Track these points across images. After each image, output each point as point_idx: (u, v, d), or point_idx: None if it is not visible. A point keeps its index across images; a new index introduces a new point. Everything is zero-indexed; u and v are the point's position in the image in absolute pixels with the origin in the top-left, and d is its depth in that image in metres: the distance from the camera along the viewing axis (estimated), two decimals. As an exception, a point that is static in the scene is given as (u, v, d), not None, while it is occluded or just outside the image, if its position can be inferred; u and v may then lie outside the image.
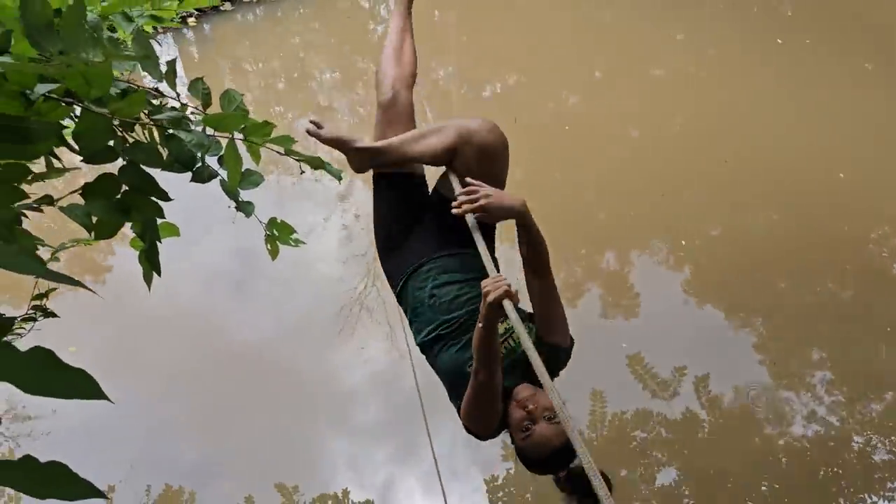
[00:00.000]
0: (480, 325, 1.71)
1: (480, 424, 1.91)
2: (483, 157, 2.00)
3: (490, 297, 1.68)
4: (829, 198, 5.30)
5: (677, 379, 4.10)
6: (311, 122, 2.00)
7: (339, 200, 5.83)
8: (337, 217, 5.64)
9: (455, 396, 2.04)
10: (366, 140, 2.07)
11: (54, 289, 1.55)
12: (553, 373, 2.01)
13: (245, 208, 1.36)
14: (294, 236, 1.50)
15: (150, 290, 1.27)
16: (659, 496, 3.62)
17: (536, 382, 1.89)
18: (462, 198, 1.83)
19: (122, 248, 5.33)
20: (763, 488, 3.61)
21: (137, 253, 1.28)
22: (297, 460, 4.03)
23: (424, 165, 2.32)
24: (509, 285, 1.71)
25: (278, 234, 1.49)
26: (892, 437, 3.73)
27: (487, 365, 1.76)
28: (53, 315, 1.46)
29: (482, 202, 1.81)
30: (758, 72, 7.24)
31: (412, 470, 3.87)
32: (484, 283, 1.71)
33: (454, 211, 1.82)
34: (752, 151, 5.86)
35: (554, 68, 7.68)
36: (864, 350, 4.21)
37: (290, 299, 4.97)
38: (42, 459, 0.65)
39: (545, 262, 1.94)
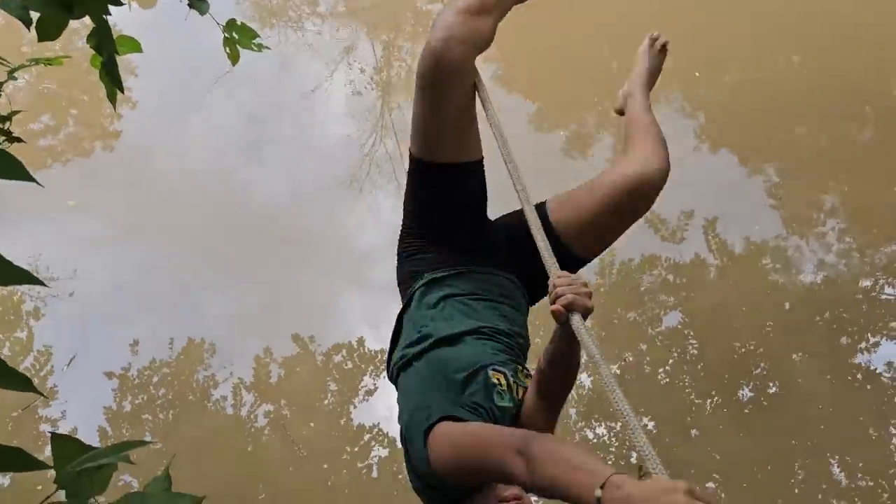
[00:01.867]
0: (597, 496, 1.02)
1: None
2: (629, 213, 1.74)
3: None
4: (850, 41, 5.06)
5: (686, 224, 4.09)
6: None
7: (344, 54, 5.68)
8: (342, 72, 5.52)
9: (434, 402, 1.49)
10: None
11: (17, 112, 1.53)
12: None
13: (199, 6, 1.31)
14: (257, 41, 1.44)
15: (115, 108, 1.25)
16: (662, 336, 3.71)
17: None
18: (564, 288, 1.33)
19: (130, 113, 5.30)
20: (767, 328, 3.67)
21: (100, 72, 1.25)
22: (315, 315, 4.16)
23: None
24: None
25: (238, 37, 1.42)
26: (901, 279, 3.74)
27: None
28: (19, 140, 1.45)
29: (586, 301, 1.32)
30: None
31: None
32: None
33: (553, 308, 1.32)
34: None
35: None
36: (879, 194, 4.14)
37: (301, 160, 4.97)
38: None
39: (562, 399, 1.53)
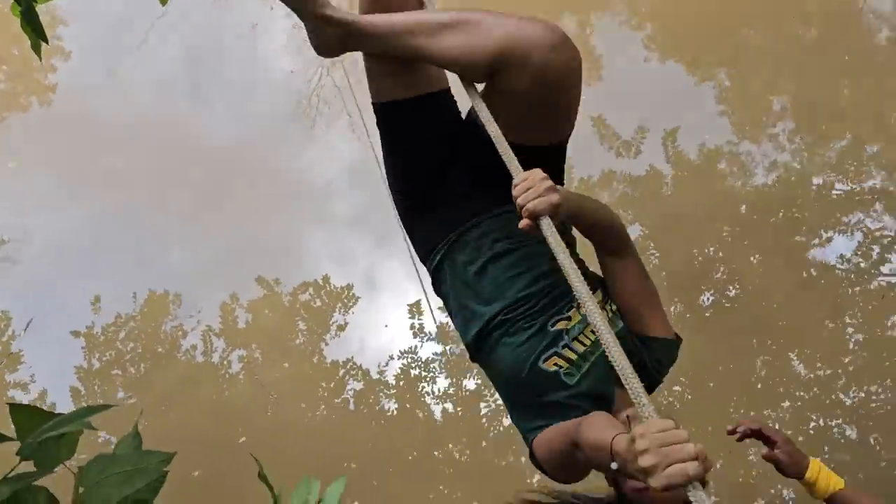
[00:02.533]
0: (614, 467, 1.09)
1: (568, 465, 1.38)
2: (542, 88, 1.36)
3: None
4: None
5: (640, 138, 4.10)
6: None
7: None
8: (281, 6, 5.29)
9: (520, 414, 1.53)
10: (341, 8, 1.47)
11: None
12: (654, 383, 1.60)
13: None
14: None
15: (41, 59, 1.19)
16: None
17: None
18: (524, 195, 1.24)
19: (64, 64, 5.07)
20: (724, 234, 3.75)
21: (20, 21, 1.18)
22: (278, 256, 4.13)
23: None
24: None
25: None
26: (851, 175, 3.81)
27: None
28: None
29: (548, 198, 1.23)
30: None
31: (389, 258, 3.97)
32: (642, 430, 1.02)
33: (521, 224, 1.24)
34: None
35: None
36: (827, 91, 4.18)
37: (247, 99, 4.83)
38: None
39: (619, 235, 1.52)
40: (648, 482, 0.94)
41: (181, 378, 3.67)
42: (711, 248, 3.68)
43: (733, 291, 3.58)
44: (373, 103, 1.59)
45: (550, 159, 1.49)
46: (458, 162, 1.59)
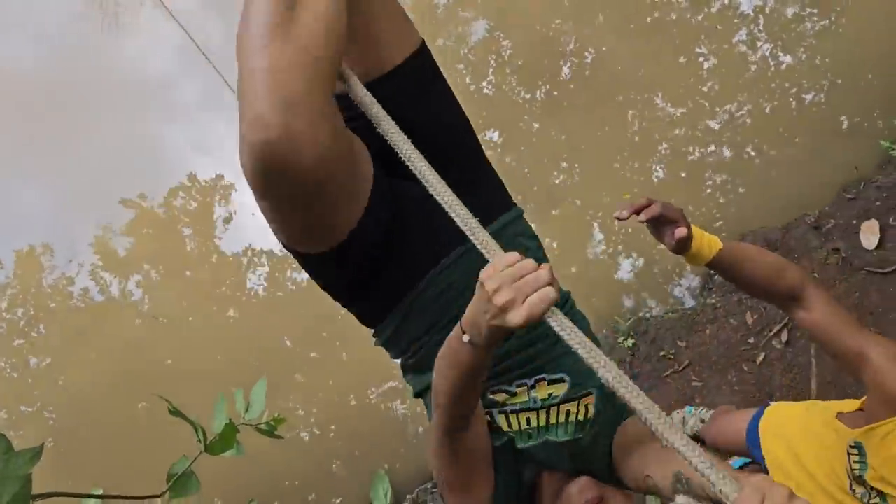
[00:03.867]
0: (468, 340, 0.99)
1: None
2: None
3: (519, 308, 0.91)
4: None
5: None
6: None
7: None
8: None
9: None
10: None
11: None
12: None
13: None
14: None
15: None
16: (475, 50, 3.68)
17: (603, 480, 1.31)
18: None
19: None
20: (564, 4, 3.69)
21: None
22: (135, 168, 3.86)
23: None
24: (551, 279, 0.94)
25: None
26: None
27: (460, 404, 1.11)
28: None
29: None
30: None
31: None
32: (487, 272, 0.94)
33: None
34: None
35: None
36: None
37: (31, 12, 4.29)
38: None
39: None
40: (509, 321, 0.89)
41: (87, 323, 3.54)
42: (556, 22, 3.64)
43: (589, 57, 3.59)
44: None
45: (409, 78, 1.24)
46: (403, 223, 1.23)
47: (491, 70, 3.66)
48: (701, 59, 3.50)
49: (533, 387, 1.30)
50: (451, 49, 3.72)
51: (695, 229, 1.40)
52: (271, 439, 1.36)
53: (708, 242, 1.42)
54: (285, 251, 1.24)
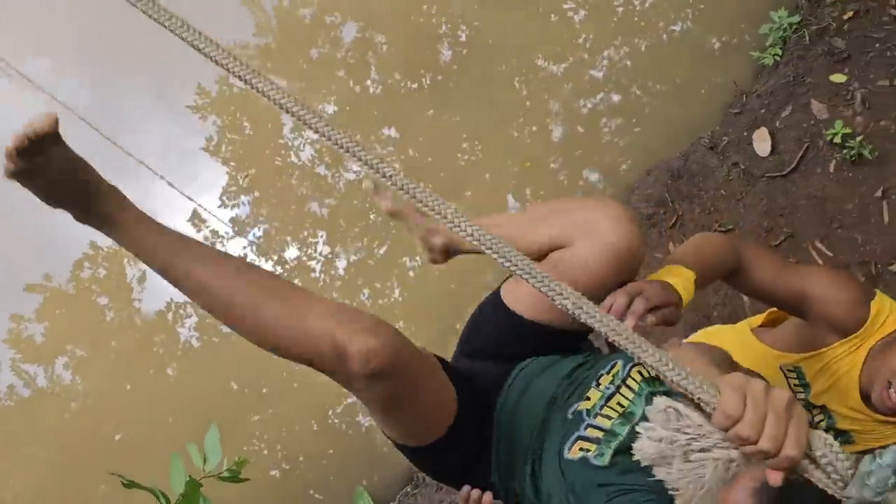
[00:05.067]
0: None
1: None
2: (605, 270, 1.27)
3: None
4: None
5: None
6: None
7: None
8: None
9: None
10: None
11: None
12: None
13: None
14: None
15: None
16: (352, 49, 3.66)
17: None
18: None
19: None
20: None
21: None
22: (32, 251, 3.66)
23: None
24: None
25: None
26: None
27: None
28: None
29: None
30: None
31: (137, 187, 3.63)
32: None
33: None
34: None
35: None
36: None
37: None
38: None
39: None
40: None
41: (21, 421, 3.37)
42: (424, 7, 3.65)
43: (463, 35, 3.62)
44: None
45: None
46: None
47: (372, 69, 3.64)
48: (570, 13, 3.57)
49: (597, 384, 1.33)
50: (328, 56, 3.68)
51: (675, 285, 1.27)
52: (241, 485, 1.32)
53: (684, 286, 1.28)
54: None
